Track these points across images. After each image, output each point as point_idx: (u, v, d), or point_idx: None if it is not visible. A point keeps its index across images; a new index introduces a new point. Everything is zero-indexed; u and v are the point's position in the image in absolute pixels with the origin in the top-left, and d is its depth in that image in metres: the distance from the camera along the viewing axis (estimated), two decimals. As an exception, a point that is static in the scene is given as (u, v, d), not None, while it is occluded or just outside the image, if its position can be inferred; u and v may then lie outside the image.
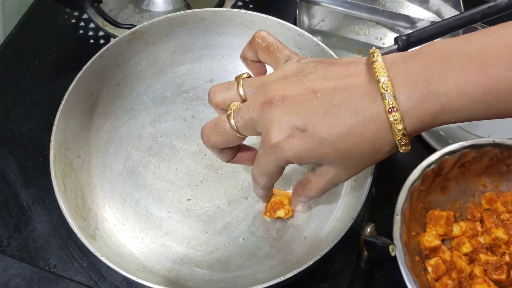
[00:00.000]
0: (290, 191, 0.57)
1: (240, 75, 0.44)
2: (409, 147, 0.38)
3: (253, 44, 0.45)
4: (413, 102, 0.36)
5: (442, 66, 0.35)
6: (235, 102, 0.42)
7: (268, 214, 0.56)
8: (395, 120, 0.36)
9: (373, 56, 0.37)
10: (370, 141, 0.38)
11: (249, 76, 0.44)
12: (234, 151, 0.47)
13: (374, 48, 0.38)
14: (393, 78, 0.36)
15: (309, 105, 0.38)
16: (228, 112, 0.42)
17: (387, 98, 0.35)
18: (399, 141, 0.37)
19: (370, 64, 0.37)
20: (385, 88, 0.35)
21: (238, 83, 0.42)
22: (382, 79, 0.36)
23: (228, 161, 0.47)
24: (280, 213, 0.55)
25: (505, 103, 0.35)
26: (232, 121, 0.41)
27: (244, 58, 0.47)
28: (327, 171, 0.42)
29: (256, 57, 0.46)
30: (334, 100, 0.37)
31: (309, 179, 0.45)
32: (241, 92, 0.42)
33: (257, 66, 0.47)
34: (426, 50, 0.37)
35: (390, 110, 0.35)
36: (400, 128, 0.36)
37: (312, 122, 0.37)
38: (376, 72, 0.36)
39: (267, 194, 0.52)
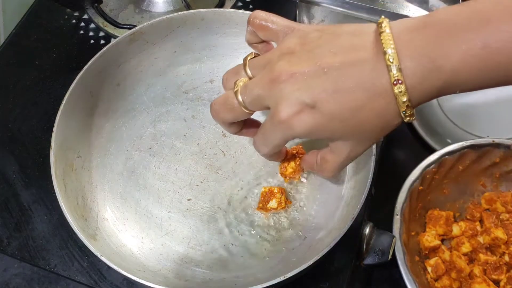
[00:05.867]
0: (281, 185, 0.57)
1: (246, 56, 0.44)
2: (414, 117, 0.38)
3: (250, 26, 0.45)
4: (419, 77, 0.36)
5: (447, 42, 0.35)
6: (241, 79, 0.43)
7: (260, 205, 0.56)
8: (400, 92, 0.36)
9: (381, 26, 0.37)
10: (379, 116, 0.38)
11: (256, 55, 0.44)
12: (241, 124, 0.47)
13: (383, 17, 0.38)
14: (400, 50, 0.36)
15: (318, 81, 0.38)
16: (235, 89, 0.42)
17: (392, 70, 0.36)
18: (404, 112, 0.37)
19: (377, 35, 0.37)
20: (391, 60, 0.36)
21: (244, 64, 0.43)
22: (389, 51, 0.36)
23: (235, 133, 0.48)
24: (273, 204, 0.56)
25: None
26: (240, 98, 0.42)
27: (249, 43, 0.48)
28: (342, 147, 0.42)
29: (259, 38, 0.46)
30: (343, 75, 0.37)
31: (325, 159, 0.45)
32: (249, 72, 0.43)
33: (264, 46, 0.47)
34: (432, 21, 0.37)
35: (395, 82, 0.36)
36: (405, 100, 0.36)
37: (322, 98, 0.37)
38: (383, 43, 0.36)
39: (272, 158, 0.51)
